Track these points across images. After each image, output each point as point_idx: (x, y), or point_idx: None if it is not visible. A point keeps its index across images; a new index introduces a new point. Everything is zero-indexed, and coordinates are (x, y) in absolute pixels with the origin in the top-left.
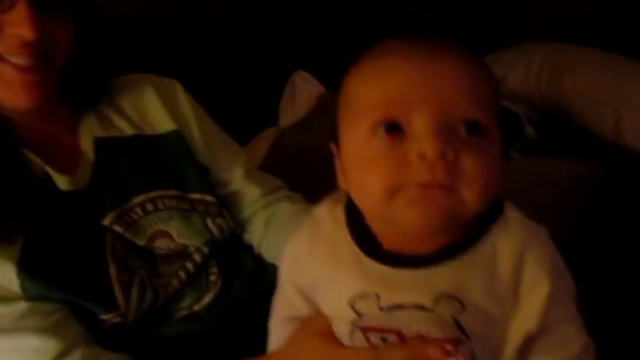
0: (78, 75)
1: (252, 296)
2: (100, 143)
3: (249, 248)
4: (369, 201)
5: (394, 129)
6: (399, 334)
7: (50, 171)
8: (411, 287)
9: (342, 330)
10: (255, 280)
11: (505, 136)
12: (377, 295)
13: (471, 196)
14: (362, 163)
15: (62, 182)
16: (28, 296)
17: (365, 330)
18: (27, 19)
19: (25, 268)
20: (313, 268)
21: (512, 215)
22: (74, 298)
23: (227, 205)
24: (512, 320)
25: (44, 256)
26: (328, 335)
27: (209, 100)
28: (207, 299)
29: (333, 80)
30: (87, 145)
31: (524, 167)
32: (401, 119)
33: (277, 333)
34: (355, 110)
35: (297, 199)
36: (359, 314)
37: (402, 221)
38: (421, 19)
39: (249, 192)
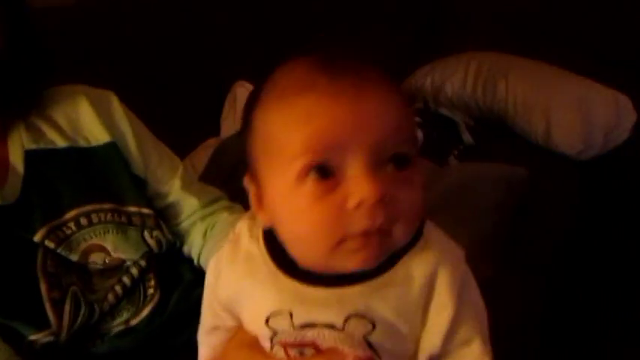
0: (7, 85)
1: (190, 307)
2: (30, 156)
3: (188, 260)
4: (307, 253)
5: (324, 174)
6: (315, 346)
7: None
8: (323, 306)
9: (264, 344)
10: (194, 292)
11: (444, 143)
12: (290, 313)
13: (402, 232)
14: (295, 213)
15: None
16: None
17: (283, 345)
18: None
19: None
20: (232, 284)
21: (430, 238)
22: (2, 319)
23: (165, 217)
24: (420, 339)
25: None
26: (257, 347)
27: (149, 111)
28: (144, 313)
29: None
30: (16, 158)
31: (460, 172)
32: (332, 163)
33: (205, 342)
34: (279, 155)
35: (237, 209)
36: (274, 331)
37: (340, 268)
38: (363, 27)
39: (187, 204)
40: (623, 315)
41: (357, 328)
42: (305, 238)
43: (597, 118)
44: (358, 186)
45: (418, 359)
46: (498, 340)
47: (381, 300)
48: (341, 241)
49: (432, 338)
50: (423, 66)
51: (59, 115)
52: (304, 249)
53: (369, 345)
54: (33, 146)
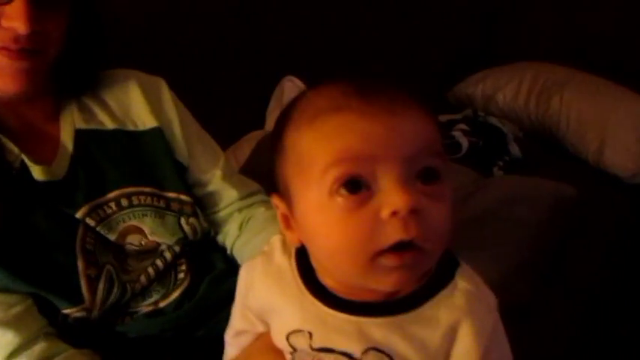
0: (66, 67)
1: (220, 297)
2: (80, 135)
3: (222, 249)
4: (341, 269)
5: (356, 187)
6: None
7: (26, 160)
8: (343, 333)
9: (286, 357)
10: (225, 281)
11: (489, 153)
12: (310, 334)
13: (433, 248)
14: (328, 227)
15: (37, 172)
16: None
17: None
18: (23, 13)
19: None
20: (262, 296)
21: (462, 285)
22: (38, 290)
23: (203, 205)
24: None
25: (12, 246)
26: (281, 353)
27: (196, 101)
28: (174, 296)
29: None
30: (67, 136)
31: (505, 184)
32: (364, 176)
33: (233, 343)
34: (311, 170)
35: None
36: (294, 348)
37: (376, 287)
38: (412, 31)
39: (226, 194)
40: None
41: None
42: (339, 253)
43: None
44: (391, 197)
45: None
46: None
47: (404, 338)
48: (375, 257)
49: None
50: (475, 73)
51: (111, 98)
52: (338, 264)
53: None
54: (83, 126)
